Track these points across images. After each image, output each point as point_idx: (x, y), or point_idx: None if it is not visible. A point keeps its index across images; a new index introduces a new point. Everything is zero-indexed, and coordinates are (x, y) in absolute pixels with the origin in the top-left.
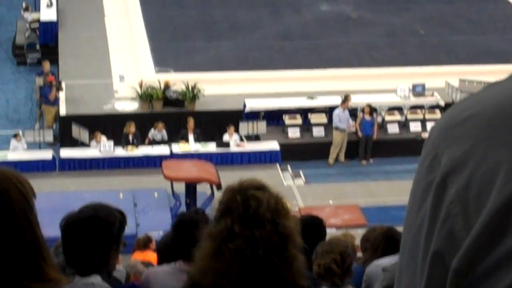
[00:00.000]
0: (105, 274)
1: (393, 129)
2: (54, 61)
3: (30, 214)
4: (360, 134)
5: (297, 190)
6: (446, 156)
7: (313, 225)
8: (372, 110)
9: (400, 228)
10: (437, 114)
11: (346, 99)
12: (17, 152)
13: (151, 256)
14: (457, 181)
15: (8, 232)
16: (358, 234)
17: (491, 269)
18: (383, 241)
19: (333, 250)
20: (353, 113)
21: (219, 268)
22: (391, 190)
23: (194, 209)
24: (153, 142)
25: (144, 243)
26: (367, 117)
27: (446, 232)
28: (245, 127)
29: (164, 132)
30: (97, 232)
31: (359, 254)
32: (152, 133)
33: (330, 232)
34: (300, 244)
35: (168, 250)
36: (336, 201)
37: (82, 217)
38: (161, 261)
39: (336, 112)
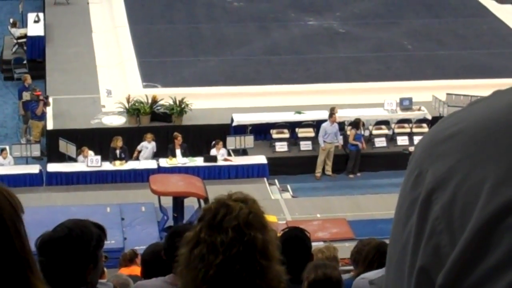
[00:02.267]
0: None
1: (380, 143)
2: (42, 76)
3: (20, 228)
4: (363, 145)
5: (284, 204)
6: (431, 172)
7: (296, 237)
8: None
9: (387, 241)
10: (425, 128)
11: (332, 113)
12: (4, 167)
13: (137, 270)
14: (442, 197)
15: None
16: (345, 247)
17: (476, 285)
18: (376, 256)
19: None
20: (341, 127)
21: (189, 274)
22: (378, 203)
23: (189, 222)
24: (140, 158)
25: (130, 258)
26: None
27: (432, 248)
28: (233, 142)
29: (154, 144)
30: (71, 252)
31: (346, 267)
32: (142, 144)
33: (318, 245)
34: (276, 257)
35: (155, 259)
36: (324, 214)
37: (56, 237)
38: (145, 271)
39: (323, 126)
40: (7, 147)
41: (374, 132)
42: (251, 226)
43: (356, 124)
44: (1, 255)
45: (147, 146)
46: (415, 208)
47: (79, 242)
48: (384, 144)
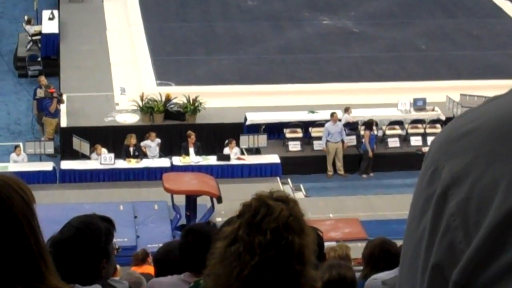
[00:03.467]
0: (105, 283)
1: (393, 143)
2: (56, 74)
3: (33, 221)
4: (370, 153)
5: None
6: (447, 169)
7: None
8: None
9: (400, 242)
10: (438, 129)
11: (334, 112)
12: (18, 164)
13: (149, 269)
14: (458, 194)
15: (11, 239)
16: (358, 247)
17: (490, 282)
18: (382, 255)
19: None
20: (353, 127)
21: (222, 269)
22: (391, 204)
23: (206, 221)
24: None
25: (142, 258)
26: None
27: (446, 244)
28: (246, 140)
29: (158, 140)
30: (82, 251)
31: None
32: (145, 143)
33: (330, 245)
34: (311, 262)
35: (167, 259)
36: (337, 214)
37: (64, 238)
38: (158, 271)
39: (326, 126)
40: (21, 144)
41: (388, 132)
42: (290, 230)
43: (369, 125)
44: (16, 249)
45: (151, 144)
46: (431, 204)
47: (88, 241)
48: (398, 144)
